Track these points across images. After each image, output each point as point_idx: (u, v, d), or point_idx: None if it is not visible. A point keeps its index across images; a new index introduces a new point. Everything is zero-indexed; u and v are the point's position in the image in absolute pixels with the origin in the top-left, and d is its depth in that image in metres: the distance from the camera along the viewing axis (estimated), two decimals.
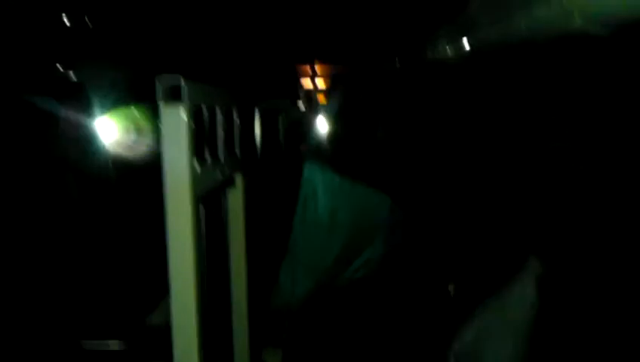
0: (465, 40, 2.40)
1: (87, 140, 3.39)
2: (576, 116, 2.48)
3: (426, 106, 4.33)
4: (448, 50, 2.71)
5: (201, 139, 1.52)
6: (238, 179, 1.99)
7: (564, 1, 1.33)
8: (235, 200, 1.97)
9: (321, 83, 6.24)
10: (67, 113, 3.49)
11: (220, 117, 1.73)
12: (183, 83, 1.33)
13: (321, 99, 6.27)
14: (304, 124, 5.38)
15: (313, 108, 5.71)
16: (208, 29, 3.68)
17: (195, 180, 1.41)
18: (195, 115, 1.45)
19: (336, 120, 5.30)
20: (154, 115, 1.45)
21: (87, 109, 3.42)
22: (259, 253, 2.35)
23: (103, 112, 3.36)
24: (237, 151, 1.95)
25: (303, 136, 5.03)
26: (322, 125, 5.39)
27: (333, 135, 5.27)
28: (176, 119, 1.34)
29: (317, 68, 6.13)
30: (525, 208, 2.79)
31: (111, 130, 3.37)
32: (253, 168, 2.27)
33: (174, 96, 1.34)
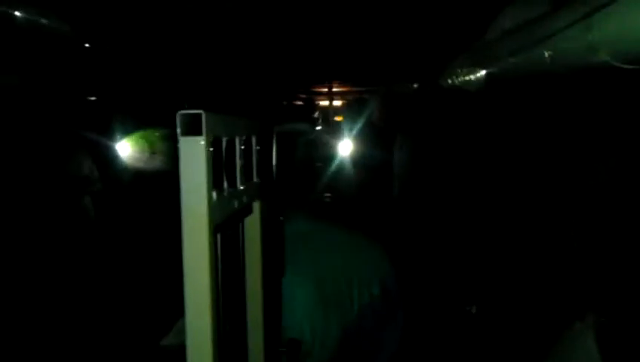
0: (483, 69, 2.40)
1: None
2: (601, 149, 2.44)
3: (442, 130, 4.32)
4: (465, 78, 2.71)
5: (219, 170, 1.53)
6: (256, 206, 1.99)
7: (590, 36, 1.32)
8: (252, 226, 1.97)
9: (338, 104, 6.27)
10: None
11: (238, 146, 1.74)
12: (203, 117, 1.35)
13: (338, 120, 6.28)
14: (322, 145, 5.40)
15: (331, 129, 5.72)
16: (226, 55, 3.73)
17: (213, 210, 1.42)
18: (213, 146, 1.46)
19: (355, 140, 5.30)
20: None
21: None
22: (279, 280, 2.35)
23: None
24: (255, 178, 1.96)
25: (320, 157, 5.04)
26: (340, 145, 5.40)
27: (353, 155, 5.27)
28: (196, 152, 1.36)
29: (334, 89, 6.16)
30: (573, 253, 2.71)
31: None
32: (271, 193, 2.28)
33: (194, 129, 1.35)
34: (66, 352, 3.18)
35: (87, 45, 3.14)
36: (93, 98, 3.57)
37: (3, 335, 3.05)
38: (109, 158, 3.84)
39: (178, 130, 1.34)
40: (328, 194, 4.89)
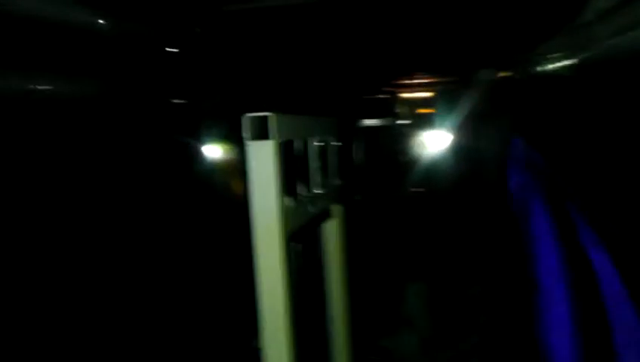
0: (577, 54, 2.15)
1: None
2: None
3: (536, 121, 4.01)
4: (558, 65, 2.45)
5: (291, 174, 1.45)
6: (335, 211, 1.90)
7: None
8: (332, 232, 1.88)
9: (420, 96, 6.04)
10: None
11: (313, 147, 1.66)
12: (271, 119, 1.27)
13: (423, 112, 6.07)
14: (410, 139, 5.20)
15: (415, 121, 5.52)
16: (302, 53, 3.67)
17: (285, 217, 1.34)
18: (285, 149, 1.39)
19: (450, 131, 5.07)
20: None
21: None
22: (362, 287, 2.24)
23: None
24: (333, 180, 1.87)
25: (408, 152, 4.86)
26: (430, 138, 5.17)
27: (449, 147, 5.03)
28: (264, 156, 1.28)
29: (416, 80, 5.93)
30: None
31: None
32: (353, 196, 2.18)
33: (262, 132, 1.28)
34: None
35: (169, 49, 3.21)
36: (178, 101, 3.66)
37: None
38: (194, 162, 3.92)
39: (244, 135, 1.27)
40: (421, 189, 4.73)
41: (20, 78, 2.59)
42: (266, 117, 1.27)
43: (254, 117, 1.27)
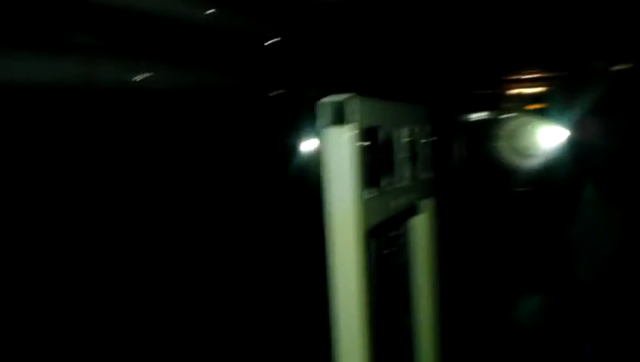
0: None
1: None
2: None
3: None
4: None
5: (374, 165, 1.34)
6: (425, 206, 1.75)
7: None
8: (420, 229, 1.74)
9: (530, 91, 5.64)
10: None
11: (400, 137, 1.53)
12: (349, 103, 1.16)
13: (530, 107, 5.66)
14: (520, 135, 4.86)
15: (523, 117, 5.14)
16: (405, 39, 3.51)
17: (364, 210, 1.23)
18: (368, 137, 1.28)
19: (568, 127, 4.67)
20: None
21: None
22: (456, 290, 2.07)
23: None
24: (423, 173, 1.72)
25: (515, 148, 4.54)
26: (540, 135, 4.80)
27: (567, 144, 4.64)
28: (341, 143, 1.18)
29: (525, 76, 5.55)
30: None
31: None
32: (445, 191, 2.02)
33: (339, 117, 1.18)
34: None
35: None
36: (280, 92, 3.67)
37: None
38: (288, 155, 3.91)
39: (320, 120, 1.17)
40: (527, 188, 4.42)
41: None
42: (344, 101, 1.17)
43: (331, 101, 1.17)
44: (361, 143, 1.22)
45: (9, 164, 2.53)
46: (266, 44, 3.28)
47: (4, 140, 2.51)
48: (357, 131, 1.20)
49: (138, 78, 2.74)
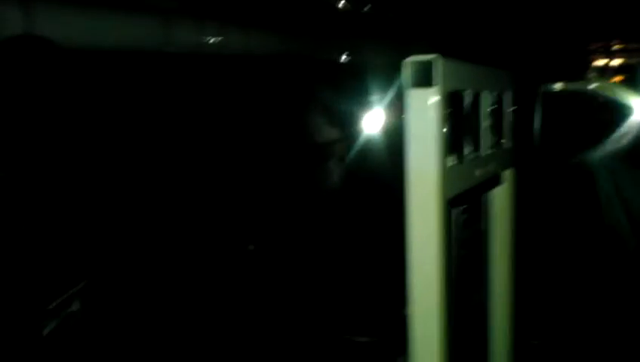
0: None
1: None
2: None
3: None
4: None
5: (457, 131, 1.26)
6: (506, 176, 1.66)
7: None
8: (501, 201, 1.65)
9: (617, 63, 5.26)
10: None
11: (485, 103, 1.44)
12: (436, 64, 1.09)
13: (617, 79, 5.29)
14: (604, 108, 4.57)
15: (612, 88, 4.81)
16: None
17: (445, 179, 1.17)
18: (452, 101, 1.20)
19: None
20: None
21: None
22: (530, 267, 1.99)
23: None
24: (506, 142, 1.63)
25: (602, 120, 4.27)
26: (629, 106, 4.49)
27: None
28: (426, 107, 1.12)
29: (614, 47, 5.18)
30: None
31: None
32: (529, 162, 1.91)
33: (425, 79, 1.11)
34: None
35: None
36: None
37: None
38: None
39: (404, 81, 1.11)
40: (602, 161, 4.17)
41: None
42: (430, 61, 1.10)
43: (416, 60, 1.11)
44: (445, 106, 1.15)
45: (89, 126, 2.63)
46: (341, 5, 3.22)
47: (83, 99, 2.61)
48: (442, 93, 1.13)
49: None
